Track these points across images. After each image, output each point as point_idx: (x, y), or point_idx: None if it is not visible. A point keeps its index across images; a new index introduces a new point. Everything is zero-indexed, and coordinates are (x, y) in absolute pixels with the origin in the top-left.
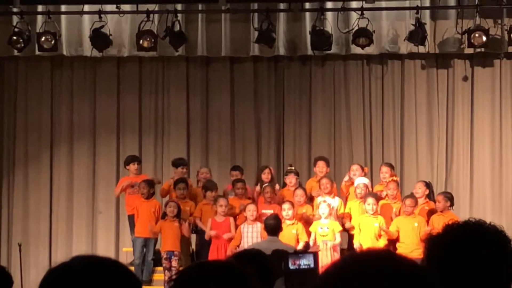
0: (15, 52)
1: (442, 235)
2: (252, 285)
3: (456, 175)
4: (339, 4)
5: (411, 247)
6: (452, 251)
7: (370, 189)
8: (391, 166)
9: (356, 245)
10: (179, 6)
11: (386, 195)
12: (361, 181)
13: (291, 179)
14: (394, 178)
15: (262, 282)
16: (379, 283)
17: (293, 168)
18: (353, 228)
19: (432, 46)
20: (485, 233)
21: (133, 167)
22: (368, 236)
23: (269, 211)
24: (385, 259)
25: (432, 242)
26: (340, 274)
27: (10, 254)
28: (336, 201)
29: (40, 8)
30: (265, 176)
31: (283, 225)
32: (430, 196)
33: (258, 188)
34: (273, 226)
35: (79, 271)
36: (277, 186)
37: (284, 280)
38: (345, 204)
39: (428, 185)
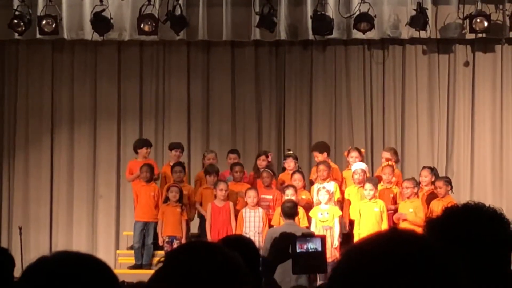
0: (16, 36)
1: (441, 218)
2: (240, 268)
3: (457, 160)
4: None
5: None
6: (451, 233)
7: (369, 174)
8: (391, 151)
9: (356, 231)
10: None
11: (381, 179)
12: (358, 166)
13: (289, 163)
14: (390, 163)
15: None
16: (389, 268)
17: (291, 152)
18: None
19: (433, 31)
20: (484, 215)
21: (145, 151)
22: (369, 221)
23: (268, 196)
24: (390, 241)
25: (431, 225)
26: (350, 268)
27: (11, 238)
28: (331, 185)
29: None
30: (260, 162)
31: None
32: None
33: (251, 173)
34: (290, 210)
35: (59, 266)
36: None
37: (292, 263)
38: (343, 190)
39: (433, 171)
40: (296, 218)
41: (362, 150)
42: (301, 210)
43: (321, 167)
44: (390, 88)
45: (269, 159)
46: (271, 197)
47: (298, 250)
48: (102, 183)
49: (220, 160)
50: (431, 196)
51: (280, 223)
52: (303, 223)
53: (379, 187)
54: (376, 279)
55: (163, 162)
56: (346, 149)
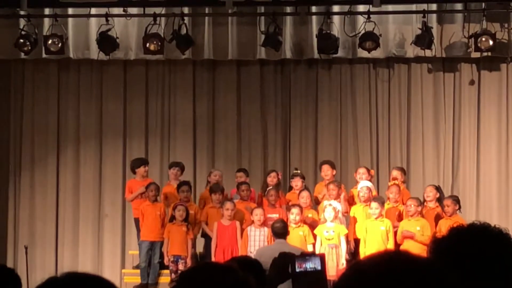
0: (22, 55)
1: (447, 238)
2: None
3: (463, 179)
4: (346, 8)
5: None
6: (457, 254)
7: (375, 192)
8: (402, 170)
9: (362, 250)
10: (185, 10)
11: (388, 198)
12: (364, 184)
13: (297, 182)
14: (396, 182)
15: None
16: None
17: (298, 171)
18: None
19: (438, 50)
20: (490, 235)
21: (143, 169)
22: (375, 240)
23: (274, 215)
24: (392, 261)
25: (436, 245)
26: (352, 285)
27: (17, 257)
28: (338, 203)
29: (47, 11)
30: (270, 179)
31: (290, 228)
32: (441, 199)
33: (260, 192)
34: (281, 230)
35: (68, 287)
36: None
37: (292, 283)
38: (349, 209)
39: (438, 189)
40: (287, 237)
41: (372, 171)
42: (306, 227)
43: (331, 186)
44: (395, 107)
45: (279, 177)
46: (276, 215)
47: (297, 269)
48: (107, 202)
49: (225, 178)
50: (437, 215)
51: None
52: (309, 241)
53: (386, 205)
54: None
55: (168, 180)
56: (352, 167)
